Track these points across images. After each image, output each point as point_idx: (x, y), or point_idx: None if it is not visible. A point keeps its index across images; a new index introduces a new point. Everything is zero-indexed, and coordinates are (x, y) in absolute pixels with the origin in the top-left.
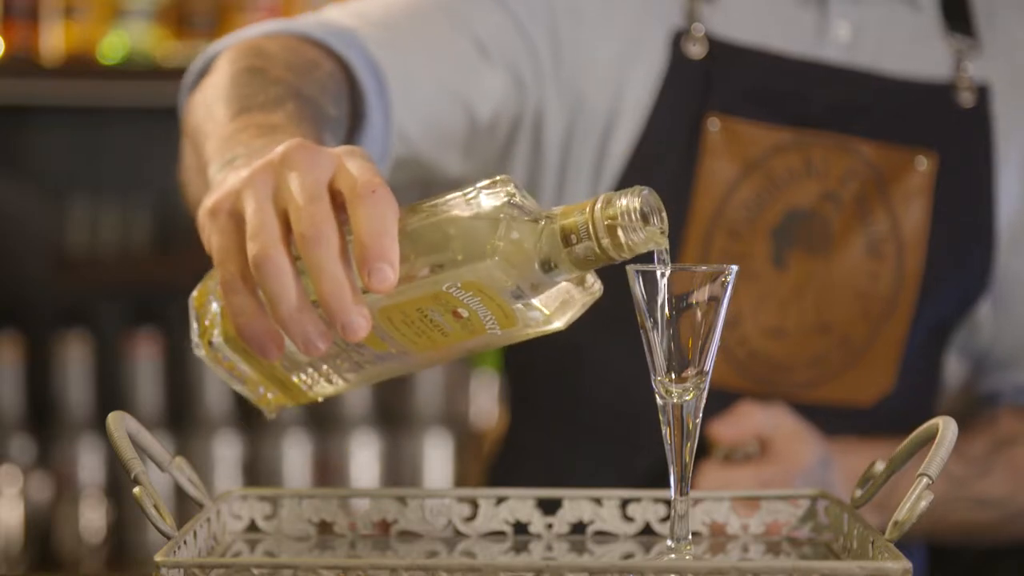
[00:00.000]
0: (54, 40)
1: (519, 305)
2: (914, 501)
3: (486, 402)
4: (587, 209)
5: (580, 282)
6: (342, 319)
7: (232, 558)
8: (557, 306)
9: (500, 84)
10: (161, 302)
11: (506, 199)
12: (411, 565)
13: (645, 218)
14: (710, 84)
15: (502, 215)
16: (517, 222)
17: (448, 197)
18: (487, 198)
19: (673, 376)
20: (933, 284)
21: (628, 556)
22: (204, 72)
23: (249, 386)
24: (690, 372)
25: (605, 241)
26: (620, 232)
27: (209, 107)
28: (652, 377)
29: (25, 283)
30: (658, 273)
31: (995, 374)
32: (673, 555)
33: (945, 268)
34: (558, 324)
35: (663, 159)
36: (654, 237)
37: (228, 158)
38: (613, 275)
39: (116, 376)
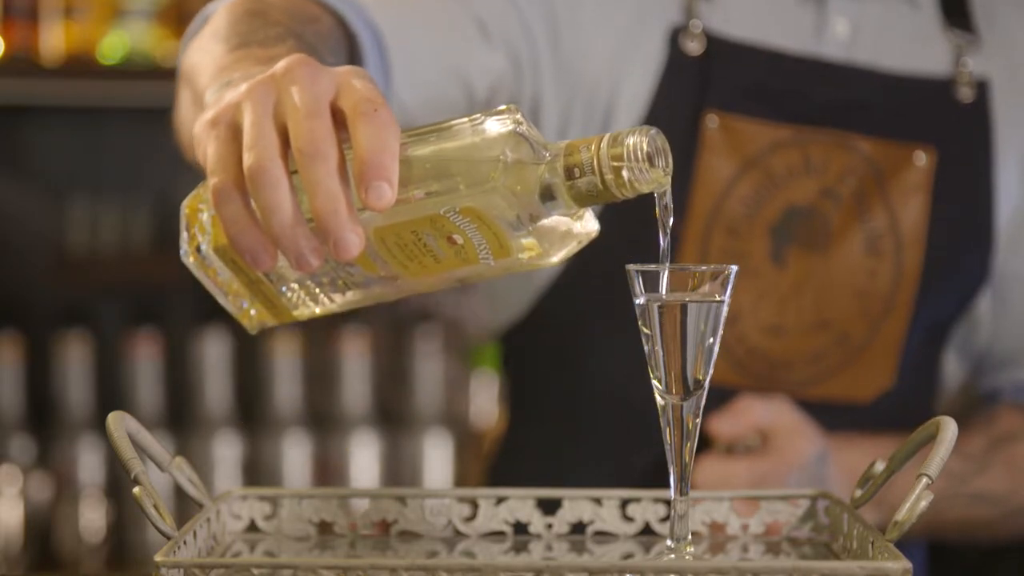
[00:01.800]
0: (54, 40)
1: (515, 235)
2: (914, 501)
3: (486, 402)
4: (593, 145)
5: (579, 220)
6: (336, 235)
7: (232, 558)
8: (553, 241)
9: (499, 64)
10: (161, 302)
11: (512, 127)
12: (411, 565)
13: (650, 158)
14: (708, 81)
15: (507, 143)
16: (521, 151)
17: (454, 122)
18: (493, 124)
19: (673, 376)
20: (932, 281)
21: (628, 556)
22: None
23: (233, 300)
24: (690, 371)
25: (608, 177)
26: (624, 170)
27: (206, 47)
28: (652, 377)
29: (25, 283)
30: (659, 273)
31: (994, 372)
32: (673, 555)
33: (944, 265)
34: (553, 259)
35: None
36: (657, 178)
37: (225, 81)
38: (613, 275)
39: (116, 376)
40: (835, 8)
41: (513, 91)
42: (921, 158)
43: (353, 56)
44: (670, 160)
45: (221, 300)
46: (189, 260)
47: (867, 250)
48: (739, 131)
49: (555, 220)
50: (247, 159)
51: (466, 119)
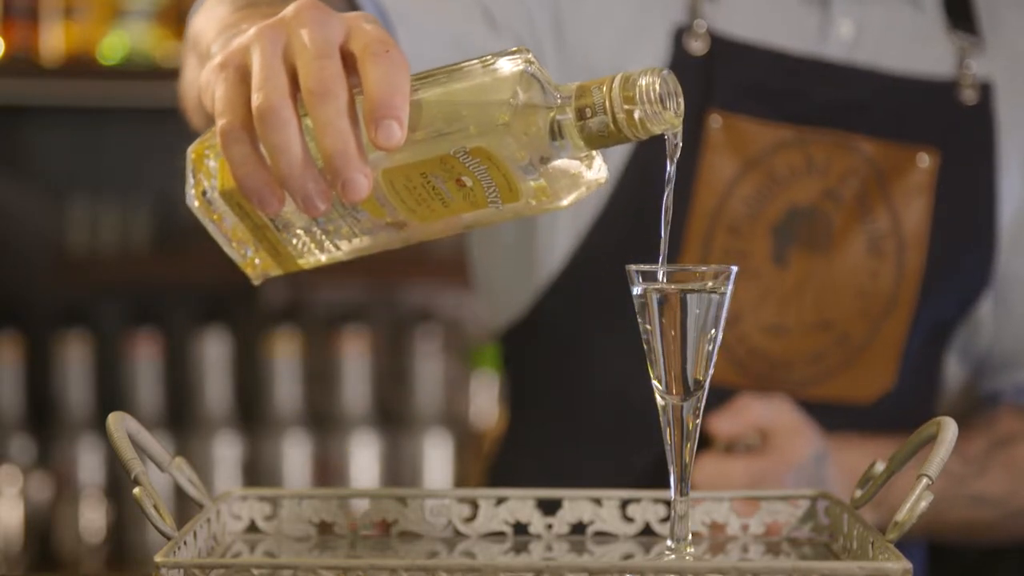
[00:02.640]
0: (54, 40)
1: (525, 178)
2: (914, 501)
3: (486, 402)
4: (604, 86)
5: (588, 164)
6: (344, 176)
7: (232, 558)
8: (563, 184)
9: None
10: (161, 302)
11: (524, 67)
12: (411, 565)
13: (663, 99)
14: (711, 81)
15: (518, 83)
16: (532, 92)
17: (464, 64)
18: (505, 64)
19: (673, 376)
20: (934, 282)
21: (628, 556)
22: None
23: (237, 247)
24: (690, 371)
25: (620, 117)
26: (637, 111)
27: (211, 11)
28: (652, 377)
29: (25, 283)
30: (659, 273)
31: (995, 374)
32: (673, 555)
33: (946, 266)
34: (562, 203)
35: (660, 161)
36: (670, 119)
37: (231, 34)
38: (614, 274)
39: (116, 376)
40: (839, 9)
41: None
42: (924, 160)
43: None
44: (682, 101)
45: (225, 247)
46: (194, 204)
47: (869, 251)
48: (742, 131)
49: (565, 163)
50: (256, 99)
51: (477, 60)
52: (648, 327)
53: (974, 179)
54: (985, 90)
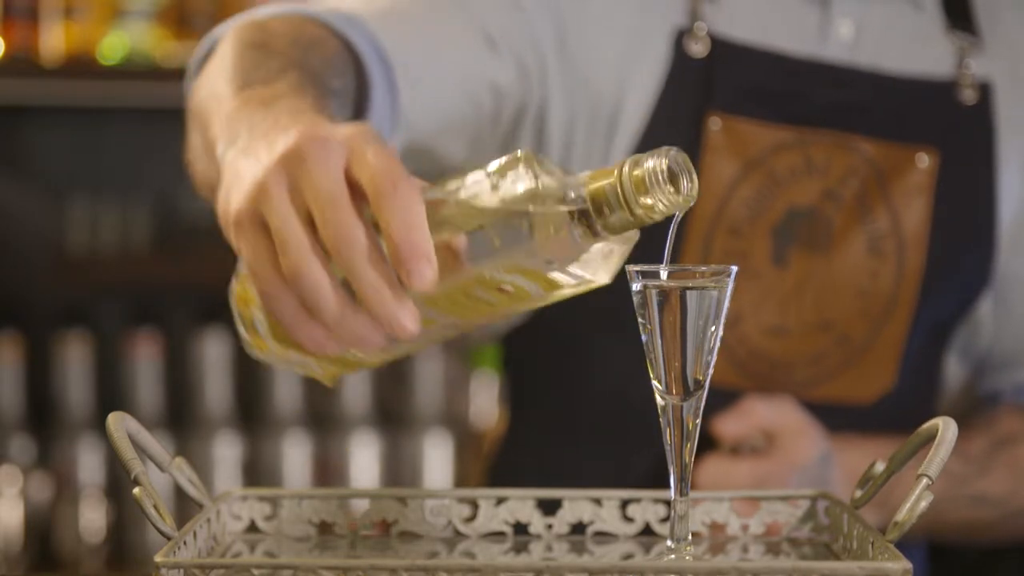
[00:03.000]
0: (54, 40)
1: (562, 275)
2: (914, 501)
3: (486, 402)
4: (615, 175)
5: (619, 239)
6: (388, 321)
7: (232, 558)
8: (599, 264)
9: (506, 75)
10: (161, 302)
11: (532, 184)
12: (411, 565)
13: (674, 181)
14: (711, 83)
15: (531, 200)
16: (548, 203)
17: (471, 183)
18: (513, 184)
19: (673, 376)
20: (934, 282)
21: (628, 556)
22: (209, 56)
23: (308, 369)
24: (690, 372)
25: (639, 212)
26: (652, 199)
27: (213, 85)
28: (652, 377)
29: (25, 283)
30: (659, 273)
31: (995, 374)
32: (673, 555)
33: (946, 266)
34: (603, 279)
35: None
36: (685, 201)
37: (232, 137)
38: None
39: (116, 376)
40: (839, 10)
41: (520, 100)
42: (923, 160)
43: (359, 76)
44: (695, 176)
45: (299, 371)
46: (256, 353)
47: (869, 251)
48: (741, 133)
49: (596, 249)
50: (285, 265)
51: (483, 176)
52: (648, 327)
53: (974, 179)
54: (984, 90)
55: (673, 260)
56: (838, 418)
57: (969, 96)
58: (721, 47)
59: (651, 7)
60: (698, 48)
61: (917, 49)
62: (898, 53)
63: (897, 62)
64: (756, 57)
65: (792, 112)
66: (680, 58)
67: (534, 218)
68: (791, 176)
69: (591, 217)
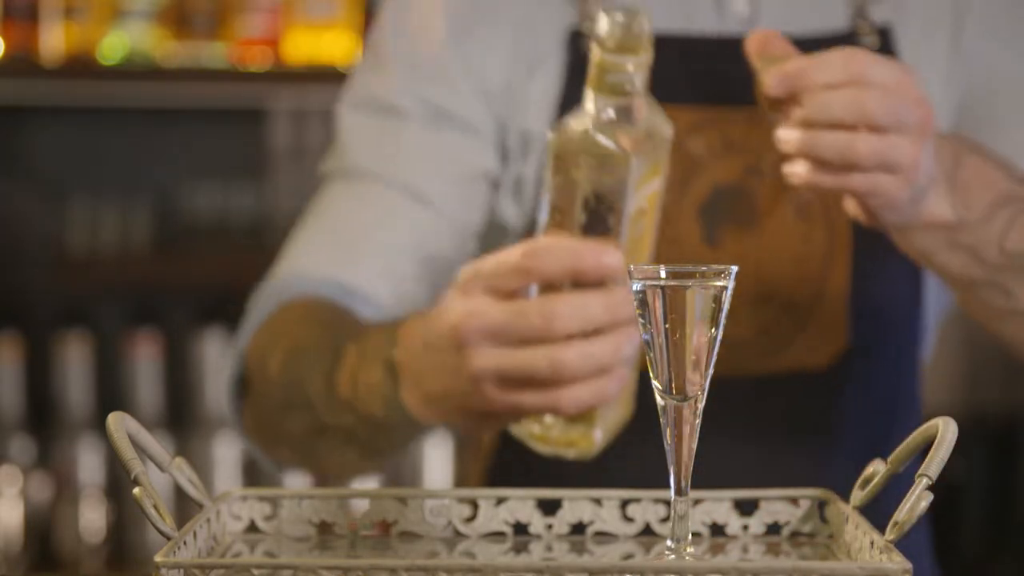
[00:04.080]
0: (54, 40)
1: (646, 154)
2: (914, 502)
3: None
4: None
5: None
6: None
7: (232, 558)
8: (655, 126)
9: (478, 217)
10: (161, 302)
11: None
12: (411, 565)
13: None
14: None
15: (584, 151)
16: (589, 136)
17: (542, 215)
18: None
19: (673, 376)
20: (866, 232)
21: (628, 556)
22: (241, 377)
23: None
24: (690, 371)
25: (615, 59)
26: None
27: (294, 387)
28: (651, 377)
29: (25, 283)
30: (659, 272)
31: None
32: (673, 555)
33: None
34: (667, 130)
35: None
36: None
37: (389, 357)
38: None
39: (116, 376)
40: None
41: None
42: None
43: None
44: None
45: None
46: (570, 451)
47: (797, 217)
48: None
49: (642, 124)
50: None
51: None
52: (648, 326)
53: None
54: (884, 34)
55: None
56: (797, 385)
57: (872, 43)
58: None
59: (536, 15)
60: None
61: (815, 10)
62: (796, 17)
63: (799, 25)
64: (656, 44)
65: (702, 92)
66: (577, 59)
67: (591, 152)
68: (711, 155)
69: (606, 104)
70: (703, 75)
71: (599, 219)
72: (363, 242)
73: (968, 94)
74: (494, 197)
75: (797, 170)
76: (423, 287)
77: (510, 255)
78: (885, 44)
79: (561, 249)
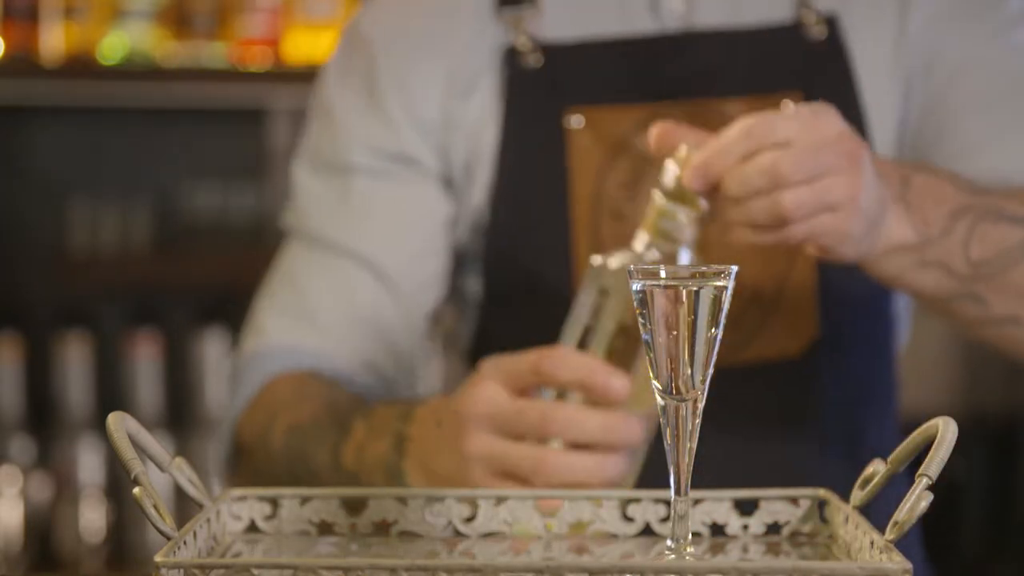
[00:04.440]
0: (54, 40)
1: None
2: (914, 501)
3: None
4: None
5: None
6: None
7: (232, 558)
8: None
9: (432, 294)
10: (161, 302)
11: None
12: (411, 565)
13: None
14: (555, 86)
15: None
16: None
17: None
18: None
19: (673, 376)
20: None
21: (628, 556)
22: (234, 454)
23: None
24: (690, 372)
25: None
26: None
27: (298, 461)
28: (651, 377)
29: (25, 283)
30: (660, 272)
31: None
32: (673, 555)
33: None
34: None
35: (529, 160)
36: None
37: (399, 431)
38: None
39: (116, 376)
40: None
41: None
42: (789, 105)
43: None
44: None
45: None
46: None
47: None
48: (602, 120)
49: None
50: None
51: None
52: (648, 326)
53: (842, 107)
54: (831, 23)
55: (565, 251)
56: (772, 374)
57: (818, 32)
58: (554, 52)
59: (469, 39)
60: (532, 58)
61: (756, 1)
62: (734, 9)
63: (738, 17)
64: (594, 50)
65: (646, 90)
66: (516, 73)
67: (624, 292)
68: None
69: (652, 247)
70: (644, 74)
71: (620, 347)
72: (324, 313)
73: (915, 78)
74: (454, 265)
75: (738, 236)
76: (380, 357)
77: (529, 356)
78: (831, 33)
79: (576, 362)
